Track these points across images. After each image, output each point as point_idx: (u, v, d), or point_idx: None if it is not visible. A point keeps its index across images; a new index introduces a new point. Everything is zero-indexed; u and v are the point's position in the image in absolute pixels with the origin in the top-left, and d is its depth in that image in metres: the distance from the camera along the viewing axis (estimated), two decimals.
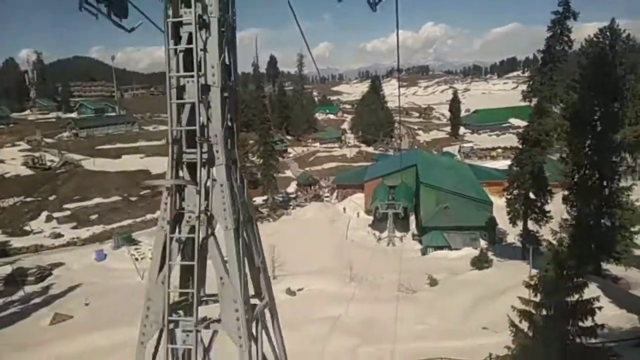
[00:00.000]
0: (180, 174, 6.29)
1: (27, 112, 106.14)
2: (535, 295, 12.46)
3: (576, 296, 12.36)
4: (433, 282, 35.95)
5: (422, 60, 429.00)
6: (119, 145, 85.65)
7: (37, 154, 71.83)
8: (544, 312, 12.12)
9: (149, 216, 61.85)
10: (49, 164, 70.39)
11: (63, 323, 31.95)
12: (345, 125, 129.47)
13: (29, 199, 61.74)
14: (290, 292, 32.32)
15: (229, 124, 6.30)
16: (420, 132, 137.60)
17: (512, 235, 45.94)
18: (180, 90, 6.03)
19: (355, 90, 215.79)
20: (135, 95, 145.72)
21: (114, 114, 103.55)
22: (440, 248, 45.72)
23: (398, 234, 52.14)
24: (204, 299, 6.81)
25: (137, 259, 46.59)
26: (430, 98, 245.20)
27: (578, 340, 12.45)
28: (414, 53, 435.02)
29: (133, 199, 65.08)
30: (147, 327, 6.19)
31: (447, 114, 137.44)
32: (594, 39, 26.40)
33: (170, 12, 5.72)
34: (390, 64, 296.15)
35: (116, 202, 63.63)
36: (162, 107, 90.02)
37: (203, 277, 6.59)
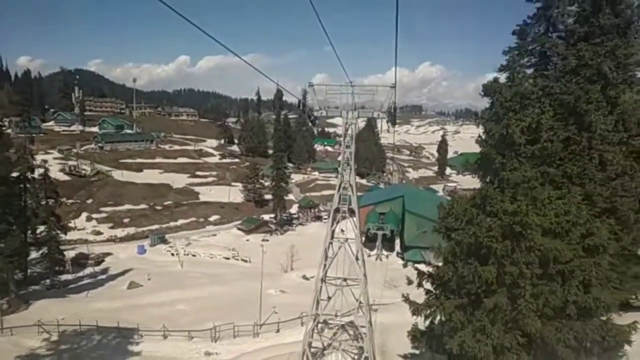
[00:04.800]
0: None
1: (51, 123, 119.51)
2: None
3: None
4: (410, 282, 50.04)
5: (417, 99, 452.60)
6: (139, 160, 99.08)
7: (73, 163, 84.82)
8: None
9: (172, 223, 75.05)
10: (83, 172, 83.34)
11: (136, 288, 45.03)
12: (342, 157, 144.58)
13: (70, 201, 74.37)
14: (305, 278, 46.00)
15: None
16: (410, 169, 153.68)
17: None
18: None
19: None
20: (143, 113, 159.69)
21: (131, 131, 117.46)
22: (419, 262, 59.74)
23: (385, 252, 66.03)
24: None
25: (172, 255, 59.83)
26: (422, 137, 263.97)
27: None
28: (409, 91, 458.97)
29: (158, 208, 78.15)
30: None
31: (436, 154, 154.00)
32: None
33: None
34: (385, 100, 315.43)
35: (144, 210, 76.57)
36: (177, 128, 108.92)
37: None
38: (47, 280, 46.54)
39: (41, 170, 46.36)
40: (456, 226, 15.20)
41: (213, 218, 78.98)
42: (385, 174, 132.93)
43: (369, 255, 66.35)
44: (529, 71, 19.13)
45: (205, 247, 62.91)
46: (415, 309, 16.24)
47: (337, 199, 20.18)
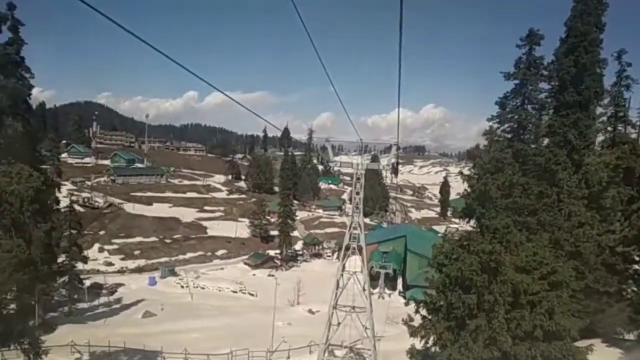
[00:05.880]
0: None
1: (64, 155, 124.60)
2: None
3: None
4: (410, 319, 52.89)
5: (420, 140, 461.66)
6: (149, 193, 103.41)
7: (87, 195, 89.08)
8: None
9: (181, 256, 78.41)
10: (96, 204, 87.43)
11: (150, 317, 48.07)
12: (345, 196, 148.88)
13: (83, 232, 78.10)
14: (311, 311, 49.04)
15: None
16: (413, 209, 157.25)
17: None
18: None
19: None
20: (152, 147, 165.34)
21: (142, 165, 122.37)
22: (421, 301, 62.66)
23: (387, 291, 68.88)
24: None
25: (182, 287, 62.92)
26: (425, 178, 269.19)
27: None
28: (412, 132, 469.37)
29: (168, 241, 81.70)
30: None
31: (439, 195, 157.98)
32: None
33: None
34: (388, 140, 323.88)
35: (154, 242, 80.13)
36: (185, 163, 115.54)
37: None
38: (65, 308, 49.61)
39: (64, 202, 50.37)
40: (446, 262, 18.95)
41: (220, 252, 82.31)
42: (388, 214, 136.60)
43: (372, 294, 69.18)
44: (509, 136, 23.41)
45: (214, 281, 66.05)
46: (413, 331, 19.79)
47: (348, 237, 24.01)
